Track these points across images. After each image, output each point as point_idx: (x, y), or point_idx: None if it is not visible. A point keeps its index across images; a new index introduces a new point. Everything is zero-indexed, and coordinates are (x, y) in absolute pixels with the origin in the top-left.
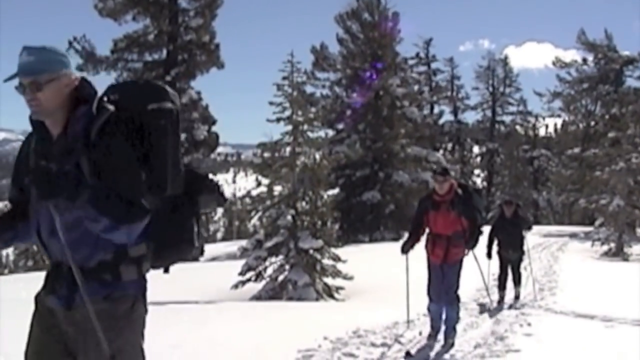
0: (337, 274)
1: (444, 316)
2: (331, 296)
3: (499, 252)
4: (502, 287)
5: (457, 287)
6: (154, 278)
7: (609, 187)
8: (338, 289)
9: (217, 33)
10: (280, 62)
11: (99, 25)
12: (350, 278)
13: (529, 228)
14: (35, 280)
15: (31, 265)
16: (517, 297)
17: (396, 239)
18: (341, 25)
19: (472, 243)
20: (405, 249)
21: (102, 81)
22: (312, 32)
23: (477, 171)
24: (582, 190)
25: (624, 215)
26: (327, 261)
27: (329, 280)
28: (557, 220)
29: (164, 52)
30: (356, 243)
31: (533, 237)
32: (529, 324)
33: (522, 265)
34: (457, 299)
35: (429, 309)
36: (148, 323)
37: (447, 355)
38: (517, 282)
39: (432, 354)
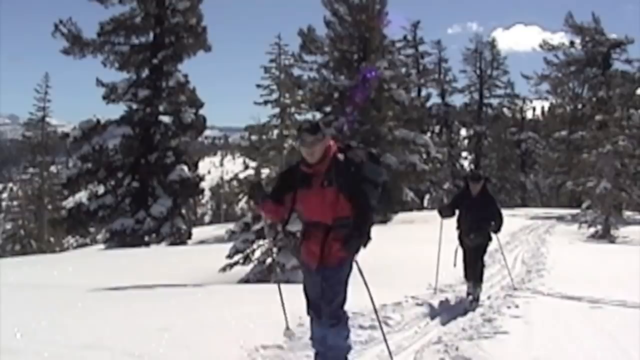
0: None
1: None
2: None
3: (459, 237)
4: (468, 278)
5: (343, 300)
6: (142, 261)
7: (596, 169)
8: None
9: (204, 16)
10: (268, 45)
11: (85, 8)
12: None
13: (498, 227)
14: (22, 264)
15: (18, 250)
16: (475, 300)
17: (384, 222)
18: (329, 7)
19: (358, 240)
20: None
21: (88, 64)
22: (300, 15)
23: (464, 154)
24: (570, 173)
25: (611, 197)
26: None
27: None
28: (544, 202)
29: (151, 35)
30: None
31: (520, 220)
32: (517, 306)
33: (486, 255)
34: (344, 318)
35: (311, 337)
36: (137, 306)
37: (435, 339)
38: (476, 277)
39: (418, 337)
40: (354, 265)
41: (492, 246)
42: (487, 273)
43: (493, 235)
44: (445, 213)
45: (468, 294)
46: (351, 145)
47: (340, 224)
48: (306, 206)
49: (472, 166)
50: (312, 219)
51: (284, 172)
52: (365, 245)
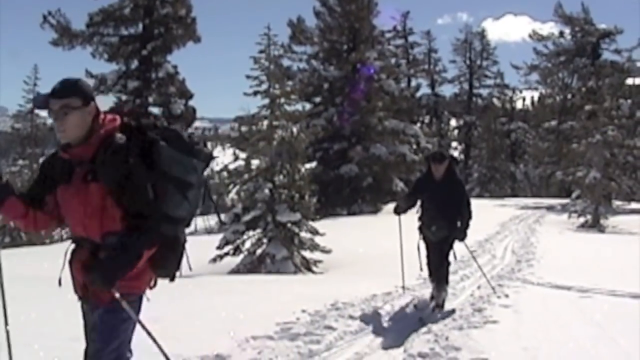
0: (315, 247)
1: None
2: (309, 269)
3: (420, 228)
4: (433, 277)
5: (119, 355)
6: None
7: (586, 159)
8: (316, 262)
9: (193, 6)
10: (257, 35)
11: None
12: (329, 251)
13: (464, 227)
14: (12, 256)
15: (8, 242)
16: (438, 306)
17: (374, 212)
18: None
19: (162, 268)
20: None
21: (77, 56)
22: (289, 5)
23: (454, 144)
24: (559, 163)
25: (600, 187)
26: (305, 234)
27: (307, 254)
28: (534, 192)
29: (140, 26)
30: (334, 216)
31: (510, 210)
32: (507, 296)
33: (452, 251)
34: None
35: None
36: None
37: (424, 329)
38: (439, 279)
39: (408, 326)
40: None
41: (480, 236)
42: (475, 264)
43: (458, 228)
44: (401, 208)
45: (432, 296)
46: (145, 123)
47: (111, 242)
48: (66, 211)
49: (463, 156)
50: (75, 231)
51: (45, 160)
52: (170, 275)
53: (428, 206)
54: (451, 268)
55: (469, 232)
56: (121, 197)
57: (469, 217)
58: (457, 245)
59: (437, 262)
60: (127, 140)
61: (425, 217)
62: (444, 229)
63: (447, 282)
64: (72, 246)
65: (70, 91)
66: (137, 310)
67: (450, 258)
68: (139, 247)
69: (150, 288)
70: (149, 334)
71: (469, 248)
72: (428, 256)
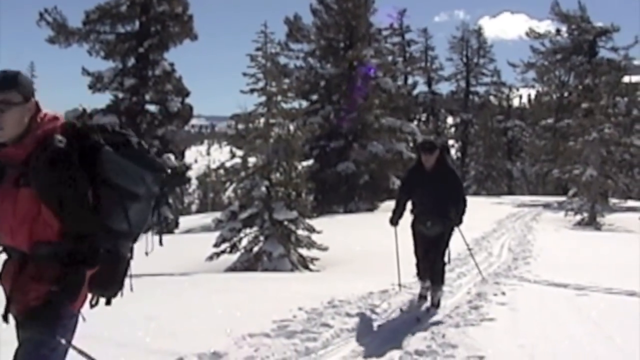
0: (311, 244)
1: None
2: (306, 267)
3: (412, 224)
4: (422, 275)
5: None
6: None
7: (582, 157)
8: (313, 259)
9: (190, 4)
10: (254, 33)
11: None
12: (325, 249)
13: (459, 215)
14: None
15: None
16: (434, 305)
17: (371, 210)
18: None
19: (101, 287)
20: None
21: (74, 53)
22: (286, 3)
23: (451, 142)
24: (556, 161)
25: (597, 185)
26: (301, 232)
27: (303, 251)
28: (530, 190)
29: (137, 23)
30: (331, 214)
31: (507, 208)
32: (503, 293)
33: (447, 249)
34: None
35: None
36: (123, 295)
37: (421, 326)
38: (434, 277)
39: (404, 324)
40: None
41: (477, 233)
42: (472, 261)
43: (453, 224)
44: (396, 218)
45: (421, 296)
46: (90, 125)
47: (42, 253)
48: None
49: (460, 154)
50: (3, 239)
51: None
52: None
53: (421, 200)
54: (447, 266)
55: (465, 219)
56: (56, 207)
57: (464, 205)
58: (454, 245)
59: (433, 260)
60: (68, 143)
61: (418, 211)
62: (438, 224)
63: (442, 281)
64: (3, 257)
65: (9, 84)
66: (73, 329)
67: (445, 259)
68: (80, 283)
69: (91, 306)
70: (81, 353)
71: (468, 245)
72: (416, 252)
